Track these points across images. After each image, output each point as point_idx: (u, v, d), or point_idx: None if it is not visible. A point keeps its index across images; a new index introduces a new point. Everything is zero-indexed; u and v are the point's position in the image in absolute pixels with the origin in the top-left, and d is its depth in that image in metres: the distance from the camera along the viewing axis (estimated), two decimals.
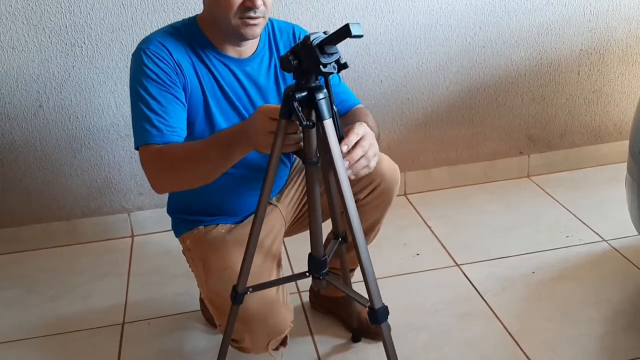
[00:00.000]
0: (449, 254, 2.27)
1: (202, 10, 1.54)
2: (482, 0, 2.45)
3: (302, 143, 1.27)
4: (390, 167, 1.69)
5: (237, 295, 1.38)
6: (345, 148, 1.22)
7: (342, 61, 1.20)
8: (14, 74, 2.21)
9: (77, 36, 2.19)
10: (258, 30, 1.47)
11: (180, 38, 1.49)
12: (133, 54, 1.48)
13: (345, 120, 1.61)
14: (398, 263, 2.23)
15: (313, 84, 1.20)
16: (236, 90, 1.55)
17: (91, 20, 2.18)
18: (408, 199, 2.69)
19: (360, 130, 1.27)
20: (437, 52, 2.50)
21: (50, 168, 2.37)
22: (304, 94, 1.19)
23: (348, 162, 1.23)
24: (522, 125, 2.72)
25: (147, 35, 1.50)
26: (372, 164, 1.29)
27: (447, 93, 2.59)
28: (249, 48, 1.55)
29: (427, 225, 2.48)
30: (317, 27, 2.33)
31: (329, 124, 1.20)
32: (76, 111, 2.30)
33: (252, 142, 1.29)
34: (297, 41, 1.61)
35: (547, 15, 2.52)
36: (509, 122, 2.70)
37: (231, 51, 1.53)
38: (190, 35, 1.51)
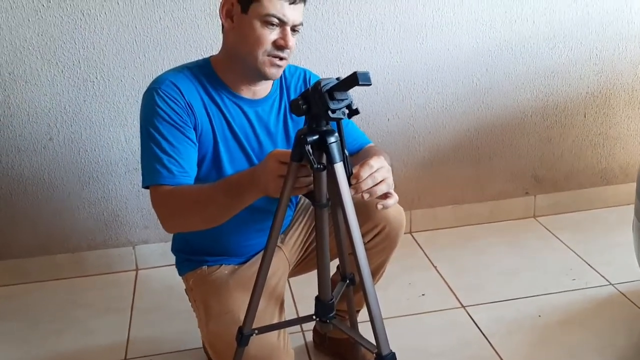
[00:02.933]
0: (454, 295, 2.25)
1: (216, 51, 1.56)
2: (489, 44, 2.48)
3: (312, 186, 1.27)
4: (395, 210, 1.69)
5: (243, 337, 1.37)
6: (354, 181, 1.22)
7: (354, 107, 1.22)
8: (25, 107, 2.23)
9: (89, 71, 2.22)
10: (280, 71, 1.49)
11: (192, 78, 1.51)
12: (145, 94, 1.49)
13: (357, 158, 1.61)
14: (403, 303, 2.22)
15: (325, 128, 1.21)
16: (246, 131, 1.56)
17: (104, 57, 2.21)
18: (414, 237, 2.69)
19: (376, 163, 1.26)
20: (444, 92, 2.52)
21: (58, 200, 2.38)
22: (315, 137, 1.20)
23: (354, 190, 1.23)
24: (528, 165, 2.73)
25: (159, 73, 1.52)
26: (388, 200, 1.30)
27: (454, 133, 2.60)
28: (263, 89, 1.57)
29: (433, 265, 2.47)
30: (326, 68, 2.36)
31: (339, 167, 1.20)
32: (85, 145, 2.31)
33: (263, 187, 1.29)
34: (308, 85, 1.64)
35: (554, 58, 2.55)
36: (515, 162, 2.71)
37: (245, 91, 1.54)
38: (203, 75, 1.52)
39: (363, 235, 1.67)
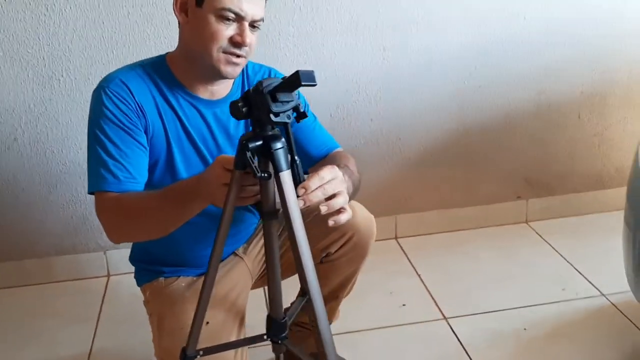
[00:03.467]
0: (437, 305, 2.14)
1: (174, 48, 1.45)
2: (480, 40, 2.36)
3: (259, 196, 1.16)
4: (364, 217, 1.58)
5: (186, 358, 1.27)
6: (302, 192, 1.09)
7: (302, 109, 1.10)
8: None
9: (55, 68, 2.12)
10: (238, 70, 1.39)
11: (145, 76, 1.41)
12: (93, 92, 1.39)
13: (322, 165, 1.51)
14: (382, 314, 2.10)
15: (270, 133, 1.10)
16: (203, 134, 1.46)
17: (70, 53, 2.11)
18: (399, 243, 2.58)
19: (328, 174, 1.14)
20: (431, 91, 2.41)
21: (24, 203, 2.28)
22: (258, 143, 1.09)
23: (304, 202, 1.10)
24: (520, 168, 2.61)
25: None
26: (342, 215, 1.15)
27: (442, 133, 2.48)
28: (222, 88, 1.46)
29: (417, 273, 2.35)
30: (304, 67, 2.25)
31: (286, 176, 1.09)
32: (52, 145, 2.21)
33: (207, 195, 1.19)
34: None
35: (548, 55, 2.42)
36: (507, 164, 2.59)
37: (202, 91, 1.44)
38: (157, 73, 1.42)
39: (329, 245, 1.59)
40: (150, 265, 1.59)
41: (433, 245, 2.55)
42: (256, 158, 1.10)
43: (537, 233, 2.60)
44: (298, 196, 1.09)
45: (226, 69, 1.36)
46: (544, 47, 2.41)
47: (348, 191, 1.26)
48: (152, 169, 1.43)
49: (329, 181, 1.13)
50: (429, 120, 2.45)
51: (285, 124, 1.07)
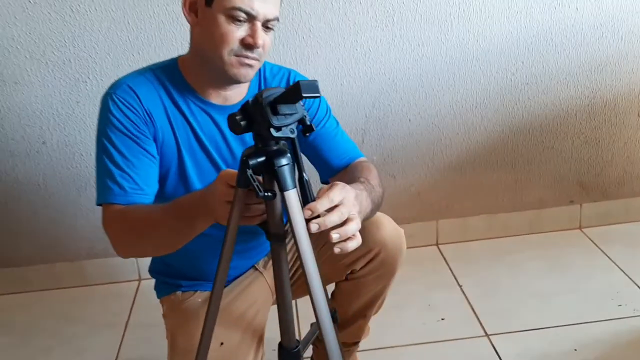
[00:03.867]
0: (479, 320, 1.99)
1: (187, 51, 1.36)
2: (526, 33, 2.18)
3: (265, 215, 1.06)
4: (392, 232, 1.45)
5: None
6: (307, 214, 0.97)
7: (309, 122, 0.99)
8: (16, 110, 2.11)
9: (81, 71, 2.08)
10: (252, 73, 1.29)
11: (154, 81, 1.33)
12: (101, 99, 1.32)
13: (344, 176, 1.39)
14: (419, 328, 1.97)
15: (274, 147, 0.99)
16: (216, 141, 1.37)
17: (96, 55, 2.06)
18: (440, 250, 2.43)
19: (337, 194, 1.01)
20: (473, 89, 2.25)
21: (54, 207, 2.26)
22: (261, 159, 0.98)
23: (318, 226, 0.97)
24: (573, 171, 2.42)
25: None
26: (350, 242, 1.01)
27: (486, 134, 2.32)
28: (236, 93, 1.37)
29: (458, 284, 2.21)
30: (337, 65, 2.15)
31: (292, 195, 0.99)
32: (80, 148, 2.18)
33: (210, 213, 1.10)
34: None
35: (601, 49, 2.23)
36: (558, 167, 2.41)
37: (215, 97, 1.35)
38: (168, 78, 1.34)
39: (353, 262, 1.47)
40: (168, 277, 1.52)
41: (476, 253, 2.40)
42: (261, 175, 1.01)
43: (591, 240, 2.41)
44: (306, 219, 0.98)
45: (239, 72, 1.26)
46: (598, 40, 2.22)
47: (366, 210, 1.15)
48: (163, 179, 1.35)
49: (341, 204, 1.01)
50: (472, 120, 2.30)
51: (289, 139, 0.96)
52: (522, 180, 2.42)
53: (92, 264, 2.35)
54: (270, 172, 0.99)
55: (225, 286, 1.48)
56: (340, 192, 1.02)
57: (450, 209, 2.43)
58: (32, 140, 2.16)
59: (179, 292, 1.49)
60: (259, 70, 1.43)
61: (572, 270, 2.23)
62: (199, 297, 1.46)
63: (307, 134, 1.01)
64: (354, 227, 1.02)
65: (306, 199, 1.00)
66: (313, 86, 0.90)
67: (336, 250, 1.00)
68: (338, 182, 1.05)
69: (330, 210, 0.99)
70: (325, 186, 1.05)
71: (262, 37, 1.25)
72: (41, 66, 2.06)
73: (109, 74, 2.08)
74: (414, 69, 2.20)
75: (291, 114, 0.95)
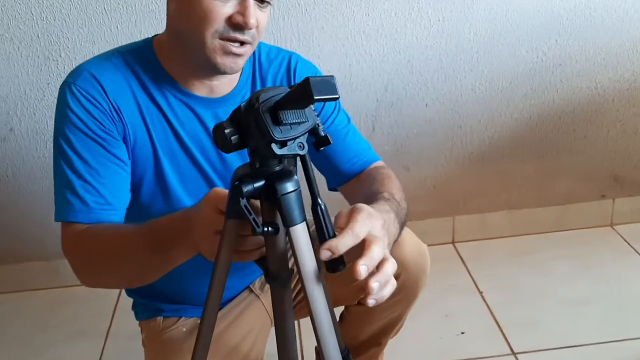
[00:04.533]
0: (503, 335, 1.76)
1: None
2: (560, 7, 1.92)
3: (264, 249, 0.82)
4: (414, 250, 1.21)
5: None
6: (326, 255, 0.73)
7: (322, 132, 0.74)
8: None
9: (51, 48, 1.82)
10: (240, 62, 1.04)
11: (123, 67, 1.08)
12: (59, 89, 1.07)
13: (355, 187, 1.14)
14: (436, 344, 1.75)
15: (276, 168, 0.74)
16: (201, 142, 1.12)
17: (67, 30, 1.80)
18: (456, 249, 2.20)
19: (362, 227, 0.76)
20: (499, 70, 1.99)
21: (25, 200, 2.01)
22: (259, 184, 0.73)
23: (358, 273, 0.73)
24: (607, 162, 2.18)
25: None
26: (387, 289, 0.78)
27: (512, 121, 2.07)
28: (225, 83, 1.12)
29: (478, 290, 1.97)
30: (346, 42, 1.89)
31: (300, 232, 0.74)
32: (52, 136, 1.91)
33: (194, 244, 0.86)
34: (292, 78, 1.17)
35: None
36: (591, 158, 2.16)
37: (198, 87, 1.10)
38: (140, 63, 1.08)
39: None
40: (147, 299, 1.30)
41: (497, 252, 2.16)
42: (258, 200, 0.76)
43: (624, 240, 2.18)
44: (321, 263, 0.74)
45: (223, 62, 1.01)
46: None
47: (393, 238, 0.90)
48: (137, 187, 1.11)
49: (371, 236, 0.76)
50: (496, 106, 2.04)
51: (294, 156, 0.71)
52: (550, 173, 2.18)
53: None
54: (272, 201, 0.74)
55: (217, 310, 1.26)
56: (366, 223, 0.77)
57: (468, 203, 2.19)
58: None
59: (159, 318, 1.27)
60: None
61: (603, 273, 2.00)
62: (184, 325, 1.24)
63: (320, 148, 0.76)
64: (390, 269, 0.77)
65: (322, 233, 0.75)
66: (328, 85, 0.65)
67: (371, 303, 0.76)
68: (361, 207, 0.80)
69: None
70: (342, 211, 0.80)
71: (256, 14, 1.00)
72: (5, 42, 1.80)
73: (82, 51, 1.82)
74: (432, 48, 1.93)
75: (299, 123, 0.70)
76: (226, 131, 0.70)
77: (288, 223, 0.73)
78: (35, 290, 2.14)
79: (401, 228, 0.97)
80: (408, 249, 1.21)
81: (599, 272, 2.01)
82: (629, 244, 2.15)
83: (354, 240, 0.75)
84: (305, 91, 0.64)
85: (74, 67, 1.77)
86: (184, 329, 1.23)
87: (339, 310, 1.41)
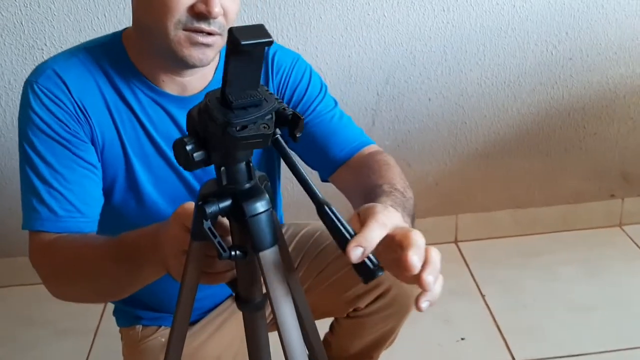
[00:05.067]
0: (505, 342, 1.69)
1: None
2: None
3: (235, 271, 0.74)
4: None
5: None
6: (357, 253, 0.60)
7: (289, 112, 0.65)
8: None
9: (36, 36, 1.73)
10: (210, 54, 0.95)
11: (90, 63, 1.00)
12: (22, 88, 0.99)
13: (348, 177, 1.03)
14: (435, 351, 1.68)
15: (245, 186, 0.66)
16: None
17: (53, 17, 1.71)
18: (459, 248, 2.12)
19: (387, 218, 0.65)
20: (506, 64, 1.90)
21: (12, 194, 1.94)
22: (225, 204, 0.66)
23: (426, 287, 0.64)
24: (617, 160, 2.08)
25: None
26: (439, 284, 0.68)
27: (519, 117, 1.98)
28: (197, 79, 1.03)
29: (481, 293, 1.89)
30: (345, 32, 1.80)
31: (270, 257, 0.66)
32: None
33: (162, 262, 0.78)
34: (271, 66, 1.08)
35: None
36: (600, 156, 2.07)
37: (169, 84, 1.02)
38: (108, 59, 1.00)
39: (358, 298, 1.14)
40: (127, 306, 1.22)
41: (501, 252, 2.08)
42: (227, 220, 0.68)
43: (632, 240, 2.09)
44: (371, 275, 0.62)
45: (190, 55, 0.92)
46: None
47: None
48: (108, 191, 1.03)
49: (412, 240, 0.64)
50: (502, 100, 1.95)
51: (265, 139, 0.62)
52: (557, 171, 2.08)
53: None
54: (240, 222, 0.66)
55: (194, 322, 1.19)
56: (386, 215, 0.65)
57: (472, 201, 2.11)
58: None
59: (138, 327, 1.20)
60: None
61: (611, 277, 1.92)
62: (162, 336, 1.18)
63: (297, 134, 0.66)
64: (438, 257, 0.66)
65: (341, 235, 0.62)
66: (256, 30, 0.58)
67: (424, 306, 0.65)
68: (371, 204, 0.70)
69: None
70: (351, 216, 0.69)
71: (221, 1, 0.90)
72: None
73: (69, 39, 1.74)
74: (436, 39, 1.84)
75: (255, 105, 0.61)
76: (187, 147, 0.62)
77: (257, 247, 0.66)
78: (22, 286, 2.08)
79: (412, 221, 0.86)
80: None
81: (606, 276, 1.93)
82: (637, 245, 2.07)
83: (382, 229, 0.63)
84: (232, 41, 0.56)
85: None
86: (163, 340, 1.16)
87: (329, 321, 1.35)
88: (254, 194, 0.65)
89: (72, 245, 0.92)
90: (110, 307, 1.90)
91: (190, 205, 0.73)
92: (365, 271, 0.61)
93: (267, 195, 0.66)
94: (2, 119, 1.83)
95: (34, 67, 1.72)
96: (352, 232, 0.61)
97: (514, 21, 1.83)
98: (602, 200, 2.14)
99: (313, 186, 0.64)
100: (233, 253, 0.66)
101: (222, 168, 0.64)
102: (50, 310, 1.95)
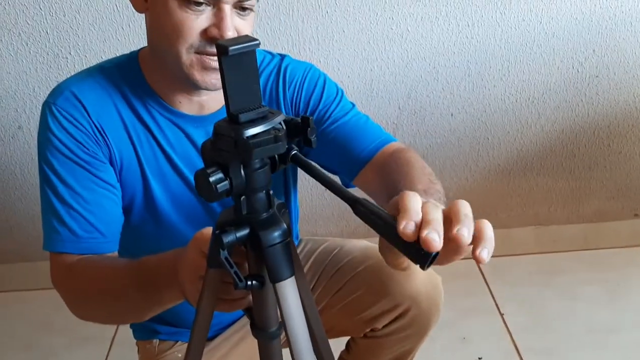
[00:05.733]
0: None
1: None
2: (600, 15, 1.78)
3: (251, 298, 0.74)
4: (427, 283, 1.11)
5: None
6: (410, 227, 0.57)
7: (299, 120, 0.66)
8: None
9: (61, 45, 1.75)
10: None
11: (107, 84, 1.00)
12: (41, 109, 1.00)
13: (372, 177, 1.00)
14: None
15: (263, 215, 0.65)
16: (193, 163, 1.05)
17: (78, 26, 1.73)
18: (478, 266, 2.09)
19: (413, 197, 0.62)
20: (531, 80, 1.87)
21: (33, 199, 1.96)
22: (242, 233, 0.65)
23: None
24: None
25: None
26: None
27: (542, 134, 1.95)
28: (213, 99, 1.03)
29: (499, 312, 1.87)
30: (367, 46, 1.79)
31: (288, 288, 0.66)
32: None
33: (179, 287, 0.78)
34: (283, 79, 1.07)
35: None
36: (625, 175, 2.03)
37: (186, 105, 1.01)
38: (125, 79, 1.01)
39: (376, 318, 1.13)
40: None
41: (522, 270, 2.05)
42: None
43: None
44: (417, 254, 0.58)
45: (203, 79, 0.92)
46: None
47: None
48: (127, 211, 1.03)
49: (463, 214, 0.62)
50: (526, 117, 1.92)
51: (277, 141, 0.62)
52: (581, 189, 2.05)
53: None
54: (257, 251, 0.66)
55: (212, 337, 1.19)
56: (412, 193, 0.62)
57: (492, 217, 2.05)
58: (6, 124, 1.85)
59: (155, 341, 1.20)
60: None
61: (634, 298, 1.88)
62: (179, 351, 1.17)
63: (312, 136, 0.65)
64: (491, 230, 0.63)
65: (378, 224, 0.60)
66: (242, 38, 0.60)
67: (485, 258, 0.61)
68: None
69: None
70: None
71: (234, 24, 0.90)
72: (13, 37, 1.73)
73: (93, 49, 1.75)
74: (460, 54, 1.82)
75: (263, 118, 0.62)
76: (211, 179, 0.61)
77: (274, 278, 0.65)
78: (43, 290, 2.09)
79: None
80: (420, 280, 1.12)
81: (629, 297, 1.89)
82: None
83: (415, 197, 0.59)
84: (220, 51, 0.58)
85: (84, 65, 1.72)
86: (180, 355, 1.16)
87: (345, 339, 1.33)
88: (272, 224, 0.65)
89: (94, 268, 0.93)
90: None
91: (209, 230, 0.72)
92: (419, 255, 0.57)
93: (284, 225, 0.65)
94: (26, 126, 1.85)
95: (58, 75, 1.76)
96: (392, 219, 0.59)
97: (540, 37, 1.81)
98: (626, 219, 2.10)
99: (341, 187, 0.63)
100: (249, 283, 0.66)
101: (242, 197, 0.64)
102: (70, 316, 1.97)
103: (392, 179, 0.91)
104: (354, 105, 1.10)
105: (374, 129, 1.06)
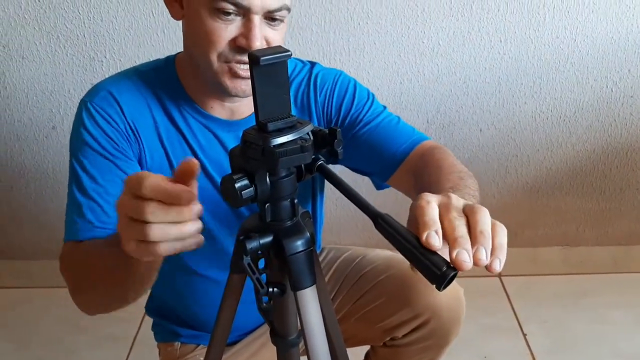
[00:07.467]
0: None
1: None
2: (636, 35, 1.76)
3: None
4: (449, 294, 1.11)
5: None
6: (436, 241, 0.58)
7: (327, 130, 0.66)
8: (24, 88, 1.84)
9: (97, 48, 1.78)
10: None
11: (143, 87, 1.02)
12: (77, 108, 1.02)
13: (406, 177, 1.01)
14: None
15: (287, 223, 0.66)
16: (223, 167, 1.06)
17: (114, 31, 1.76)
18: (502, 284, 2.06)
19: (434, 197, 0.63)
20: (563, 98, 1.85)
21: (64, 198, 1.98)
22: (266, 240, 0.65)
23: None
24: None
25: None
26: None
27: (573, 153, 1.93)
28: (245, 105, 1.04)
29: (522, 332, 1.84)
30: (398, 59, 1.79)
31: (309, 296, 0.66)
32: None
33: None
34: (314, 86, 1.08)
35: None
36: None
37: (218, 109, 1.03)
38: (160, 83, 1.03)
39: (396, 327, 1.12)
40: (165, 320, 1.24)
41: (547, 290, 2.02)
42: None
43: None
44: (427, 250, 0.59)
45: (233, 86, 0.94)
46: None
47: None
48: None
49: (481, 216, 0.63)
50: (557, 136, 1.90)
51: (304, 151, 0.62)
52: (611, 210, 2.02)
53: None
54: (280, 259, 0.66)
55: (232, 343, 1.19)
56: (426, 195, 0.63)
57: (519, 236, 2.06)
58: (41, 124, 1.89)
59: (177, 343, 1.21)
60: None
61: None
62: (201, 354, 1.18)
63: (339, 148, 0.66)
64: (505, 235, 0.64)
65: (398, 241, 0.60)
66: (274, 49, 0.61)
67: (496, 266, 0.61)
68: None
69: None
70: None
71: (264, 33, 0.91)
72: (52, 40, 1.77)
73: (128, 53, 1.78)
74: (491, 70, 1.81)
75: (291, 127, 0.63)
76: (237, 185, 0.62)
77: (296, 286, 0.65)
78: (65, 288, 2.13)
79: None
80: (442, 293, 1.10)
81: None
82: None
83: (430, 205, 0.60)
84: (252, 60, 0.59)
85: (119, 69, 1.75)
86: (201, 359, 1.17)
87: (365, 348, 1.33)
88: (295, 232, 0.65)
89: (91, 243, 0.92)
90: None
91: (142, 173, 0.65)
92: (436, 276, 0.57)
93: (308, 234, 0.65)
94: (60, 126, 1.89)
95: (93, 77, 1.80)
96: (412, 237, 0.59)
97: (574, 56, 1.79)
98: None
99: (365, 201, 0.63)
100: (271, 290, 0.66)
101: (267, 204, 0.64)
102: (95, 315, 2.00)
103: (423, 180, 0.92)
104: (385, 107, 1.10)
105: (407, 130, 1.06)
